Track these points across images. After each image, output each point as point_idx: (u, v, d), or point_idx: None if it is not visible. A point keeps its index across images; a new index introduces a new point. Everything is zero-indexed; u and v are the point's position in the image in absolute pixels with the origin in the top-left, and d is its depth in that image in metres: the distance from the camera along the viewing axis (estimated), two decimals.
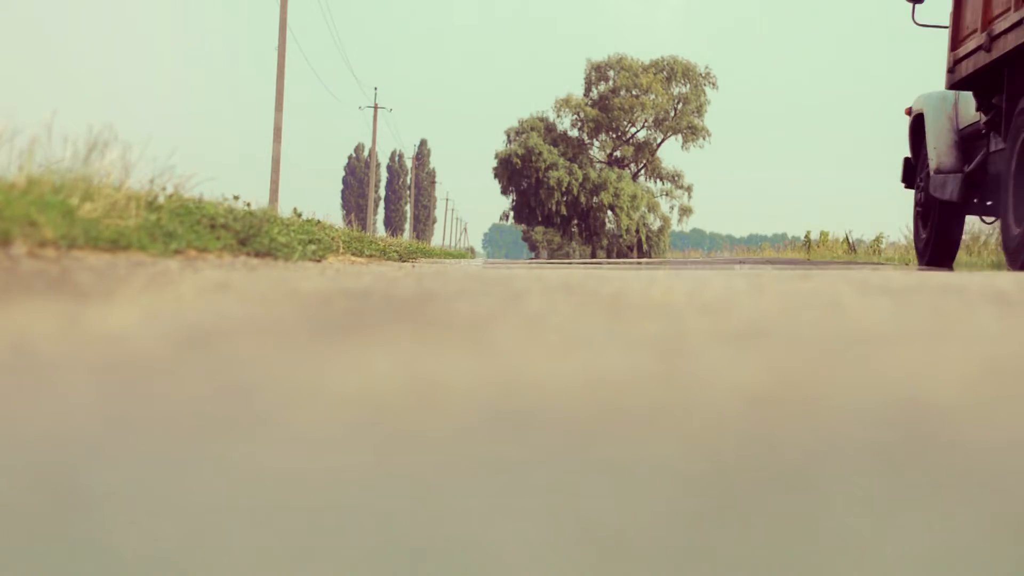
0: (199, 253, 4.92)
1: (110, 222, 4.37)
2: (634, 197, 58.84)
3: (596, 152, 61.18)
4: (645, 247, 59.92)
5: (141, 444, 0.93)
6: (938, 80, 9.45)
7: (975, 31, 8.34)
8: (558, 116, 60.84)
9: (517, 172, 57.87)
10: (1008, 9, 7.54)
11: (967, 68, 8.58)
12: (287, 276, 3.57)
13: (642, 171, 62.09)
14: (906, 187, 10.63)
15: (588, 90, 61.19)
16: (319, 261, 6.85)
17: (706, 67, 60.82)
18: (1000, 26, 7.74)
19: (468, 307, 2.35)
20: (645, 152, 61.80)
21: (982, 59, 8.15)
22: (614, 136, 61.30)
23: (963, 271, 8.68)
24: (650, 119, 60.80)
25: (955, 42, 9.00)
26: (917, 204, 10.45)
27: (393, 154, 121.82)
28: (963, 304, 2.62)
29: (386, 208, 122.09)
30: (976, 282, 4.01)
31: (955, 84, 8.98)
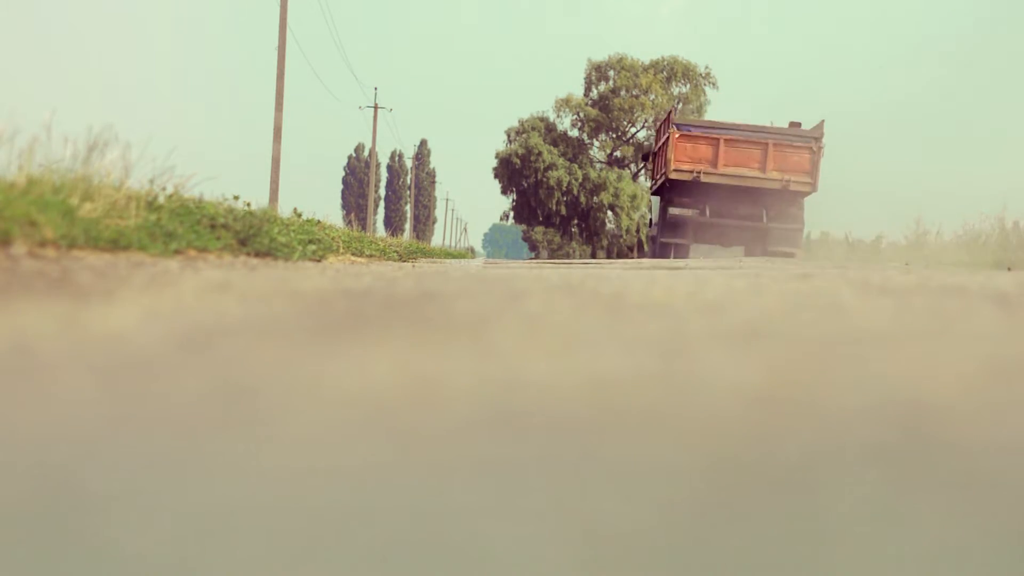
0: (199, 253, 4.91)
1: (110, 222, 4.37)
2: (634, 197, 58.84)
3: (596, 152, 61.15)
4: (645, 247, 59.90)
5: (141, 444, 0.93)
6: None
7: (658, 174, 23.36)
8: (558, 116, 60.81)
9: (517, 172, 57.87)
10: (662, 170, 22.48)
11: (652, 188, 24.83)
12: (287, 276, 3.57)
13: (642, 171, 62.09)
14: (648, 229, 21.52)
15: (588, 90, 61.16)
16: (319, 261, 6.85)
17: (706, 67, 60.75)
18: (659, 174, 22.99)
19: (468, 307, 2.35)
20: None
21: (655, 186, 24.21)
22: (614, 136, 61.27)
23: (963, 271, 8.70)
24: (650, 119, 60.79)
25: (652, 176, 24.64)
26: (648, 236, 23.55)
27: (393, 154, 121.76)
28: (963, 304, 2.62)
29: (386, 208, 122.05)
30: (976, 282, 4.01)
31: (652, 193, 24.69)
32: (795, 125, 21.16)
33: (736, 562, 0.66)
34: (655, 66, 61.36)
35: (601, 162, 62.08)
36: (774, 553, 0.68)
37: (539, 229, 65.20)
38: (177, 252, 4.68)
